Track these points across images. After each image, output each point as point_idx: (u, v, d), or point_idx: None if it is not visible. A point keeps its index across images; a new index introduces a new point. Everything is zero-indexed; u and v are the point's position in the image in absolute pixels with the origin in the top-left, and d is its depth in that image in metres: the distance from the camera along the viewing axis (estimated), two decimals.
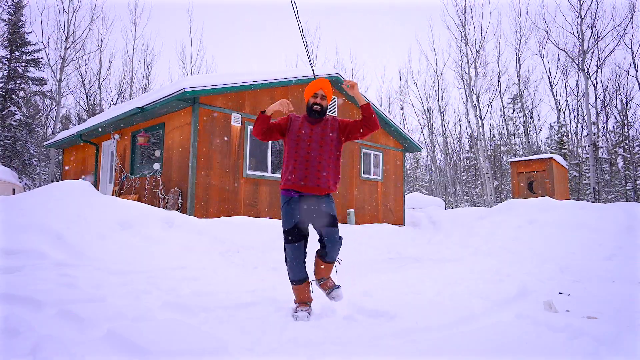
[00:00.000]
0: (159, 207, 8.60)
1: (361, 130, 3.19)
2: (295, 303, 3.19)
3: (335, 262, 3.24)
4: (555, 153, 25.34)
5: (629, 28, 22.54)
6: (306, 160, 3.09)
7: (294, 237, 3.10)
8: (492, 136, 31.61)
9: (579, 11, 22.27)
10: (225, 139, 8.91)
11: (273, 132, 3.25)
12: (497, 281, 4.38)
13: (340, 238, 3.16)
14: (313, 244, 3.28)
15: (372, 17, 62.06)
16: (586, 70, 22.53)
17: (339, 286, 3.14)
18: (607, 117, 27.64)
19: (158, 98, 8.58)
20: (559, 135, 27.50)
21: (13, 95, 22.35)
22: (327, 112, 3.40)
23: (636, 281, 4.76)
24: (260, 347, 2.24)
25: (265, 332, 2.53)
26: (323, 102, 3.24)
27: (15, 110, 21.70)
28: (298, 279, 3.13)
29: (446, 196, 34.58)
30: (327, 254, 3.13)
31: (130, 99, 27.26)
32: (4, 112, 21.24)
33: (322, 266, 3.17)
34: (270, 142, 9.72)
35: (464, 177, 34.02)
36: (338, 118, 3.31)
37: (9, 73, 22.14)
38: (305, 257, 3.16)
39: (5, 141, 21.36)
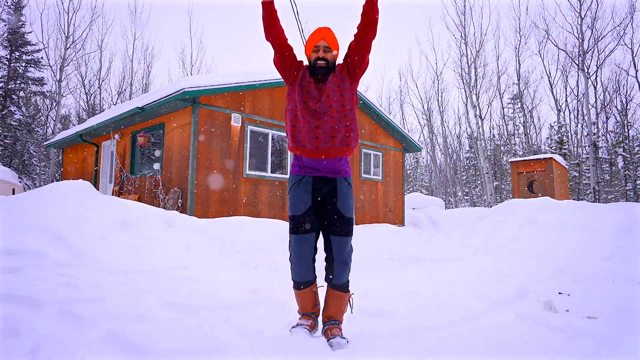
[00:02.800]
0: (159, 207, 8.61)
1: (359, 42, 2.46)
2: (299, 313, 2.61)
3: (350, 298, 2.60)
4: (555, 153, 25.34)
5: (629, 28, 22.63)
6: (315, 135, 2.44)
7: (304, 227, 2.45)
8: (492, 136, 31.63)
9: (579, 11, 22.30)
10: (225, 139, 8.92)
11: (280, 36, 2.59)
12: (497, 281, 4.38)
13: (351, 251, 2.53)
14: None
15: None
16: (586, 70, 22.53)
17: (345, 339, 2.34)
18: (607, 117, 27.72)
19: (158, 98, 8.60)
20: (559, 135, 27.52)
21: (13, 95, 22.36)
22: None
23: (636, 281, 4.76)
24: (260, 347, 2.24)
25: (265, 333, 2.53)
26: (327, 54, 2.51)
27: (15, 110, 21.72)
28: (301, 280, 2.49)
29: (446, 196, 34.60)
30: (333, 273, 2.48)
31: (130, 99, 27.27)
32: (4, 112, 21.24)
33: (336, 299, 2.49)
34: (270, 143, 9.72)
35: (464, 177, 34.03)
36: (339, 63, 2.58)
37: (9, 73, 22.14)
38: (315, 254, 2.52)
39: (5, 141, 21.37)
